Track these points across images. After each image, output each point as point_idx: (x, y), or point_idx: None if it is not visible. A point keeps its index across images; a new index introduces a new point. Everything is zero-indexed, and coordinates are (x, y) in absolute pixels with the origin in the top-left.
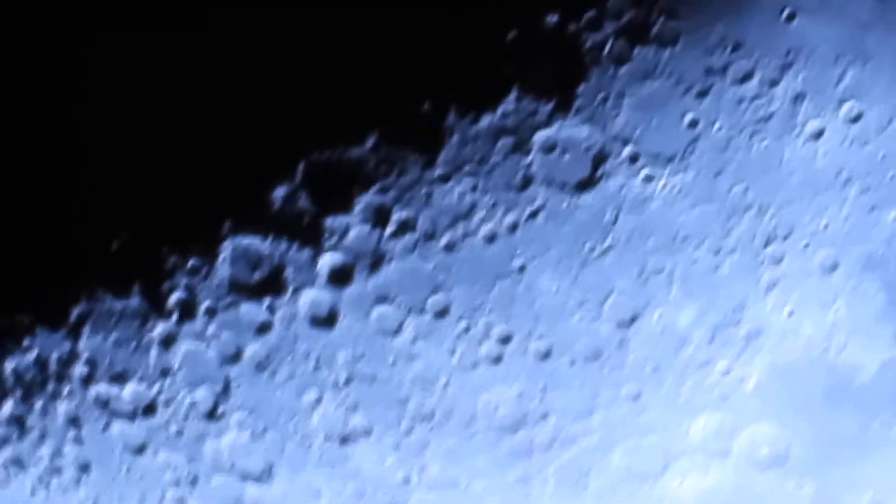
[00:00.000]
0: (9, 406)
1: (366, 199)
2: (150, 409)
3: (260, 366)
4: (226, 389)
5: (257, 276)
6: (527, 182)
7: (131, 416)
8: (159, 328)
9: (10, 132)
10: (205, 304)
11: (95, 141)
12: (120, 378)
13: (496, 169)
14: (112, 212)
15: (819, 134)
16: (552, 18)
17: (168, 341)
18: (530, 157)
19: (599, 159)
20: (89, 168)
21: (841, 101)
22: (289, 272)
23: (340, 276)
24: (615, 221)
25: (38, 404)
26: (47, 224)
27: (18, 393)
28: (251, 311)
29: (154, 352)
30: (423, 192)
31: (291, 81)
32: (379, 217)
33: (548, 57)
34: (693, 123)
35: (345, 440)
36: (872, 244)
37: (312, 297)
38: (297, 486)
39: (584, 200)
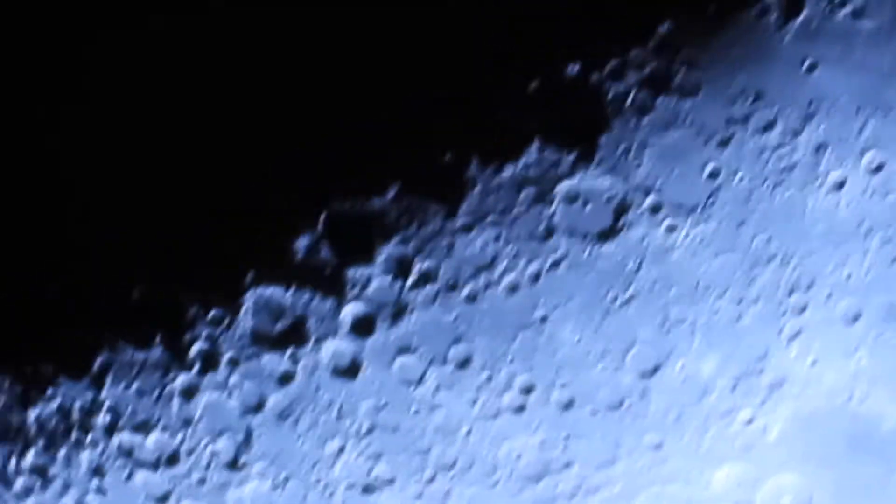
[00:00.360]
0: (32, 455)
1: (388, 250)
2: (172, 459)
3: (282, 415)
4: (248, 439)
5: (279, 326)
6: (549, 232)
7: (154, 466)
8: (181, 378)
9: (32, 183)
10: (227, 355)
11: (116, 194)
12: (143, 427)
13: (518, 219)
14: (134, 263)
15: (841, 184)
16: (574, 68)
17: (190, 391)
18: (553, 208)
19: (621, 209)
20: (111, 220)
21: (863, 152)
22: (311, 323)
23: (363, 327)
24: (637, 271)
25: (62, 454)
26: (69, 275)
27: (41, 442)
28: (273, 361)
29: (176, 402)
30: (445, 242)
31: (314, 132)
32: (401, 268)
33: (570, 107)
34: (715, 173)
35: (367, 490)
36: (895, 294)
37: (335, 347)
38: None
39: (606, 250)
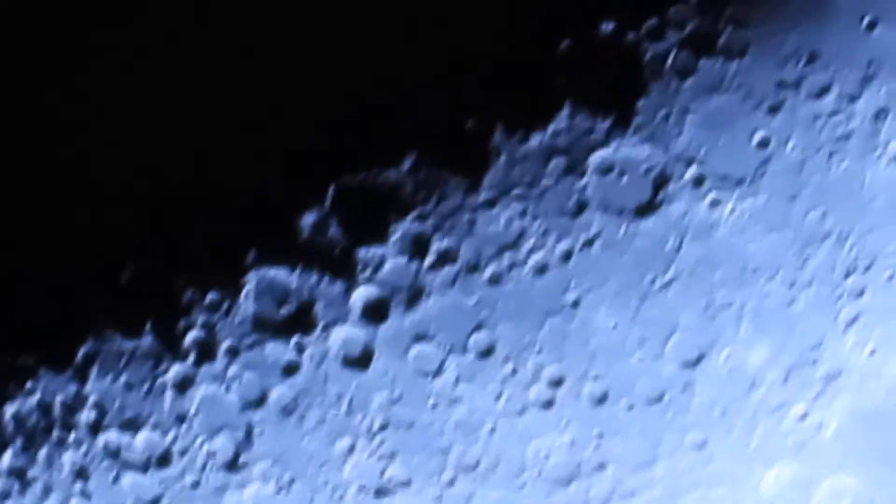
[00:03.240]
0: (9, 456)
1: (403, 228)
2: (164, 460)
3: (286, 410)
4: (248, 437)
5: (284, 311)
6: (581, 207)
7: (144, 467)
8: (175, 370)
9: (11, 156)
10: (225, 344)
11: (103, 160)
12: (131, 425)
13: (547, 193)
14: (122, 241)
15: None
16: (609, 27)
17: (184, 384)
18: (585, 180)
19: (661, 182)
20: (96, 190)
21: None
22: (318, 307)
23: (375, 312)
24: (679, 250)
25: (42, 454)
26: (51, 255)
27: (20, 441)
28: (277, 350)
29: (169, 396)
30: (465, 219)
31: (321, 96)
32: (417, 247)
33: (604, 69)
34: (764, 142)
35: (381, 493)
36: None
37: (344, 334)
38: None
39: (644, 227)
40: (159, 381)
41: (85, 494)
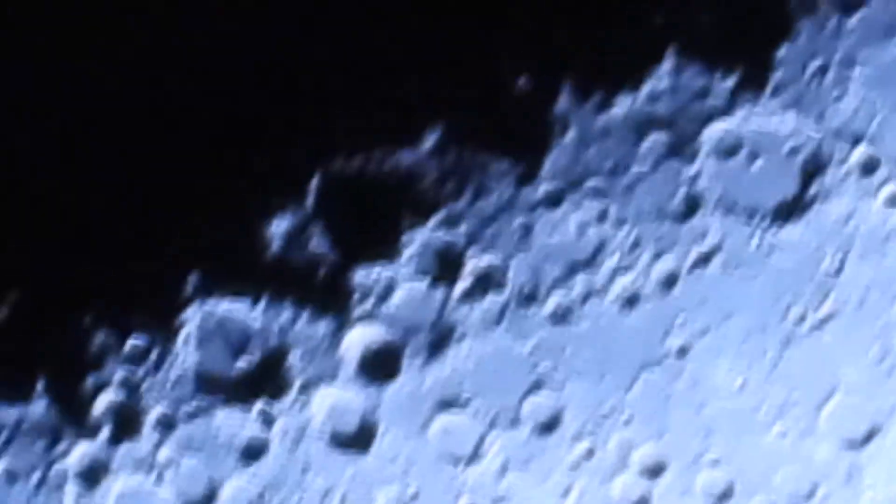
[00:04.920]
0: None
1: (422, 237)
2: None
3: None
4: None
5: (242, 364)
6: (691, 207)
7: None
8: (80, 451)
9: None
10: (155, 412)
11: None
12: None
13: (640, 185)
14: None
15: None
16: None
17: (94, 473)
18: (697, 166)
19: (813, 169)
20: None
21: None
22: (294, 359)
23: (379, 365)
24: (839, 272)
25: None
26: None
27: None
28: (232, 421)
29: (71, 490)
30: (516, 224)
31: (297, 42)
32: (444, 266)
33: (724, 1)
34: None
35: None
36: None
37: (333, 399)
38: None
39: (787, 237)
40: (56, 467)
41: None
